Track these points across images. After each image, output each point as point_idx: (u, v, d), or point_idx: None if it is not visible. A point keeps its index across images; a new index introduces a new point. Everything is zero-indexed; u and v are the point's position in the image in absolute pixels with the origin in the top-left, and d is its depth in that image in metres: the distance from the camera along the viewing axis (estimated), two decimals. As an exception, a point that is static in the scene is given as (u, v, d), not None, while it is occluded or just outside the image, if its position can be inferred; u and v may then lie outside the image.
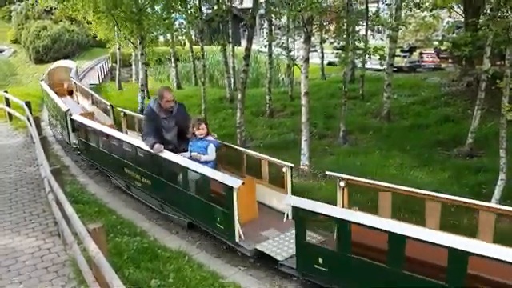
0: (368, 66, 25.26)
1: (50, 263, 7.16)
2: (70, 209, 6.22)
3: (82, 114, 15.21)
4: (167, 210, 10.64)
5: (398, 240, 6.19)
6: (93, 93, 20.68)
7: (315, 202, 7.84)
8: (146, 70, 26.79)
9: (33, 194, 10.33)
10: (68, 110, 14.61)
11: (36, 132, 12.06)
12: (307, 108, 13.88)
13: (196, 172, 8.99)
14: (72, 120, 14.16)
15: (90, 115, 15.94)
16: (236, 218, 8.69)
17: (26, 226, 8.59)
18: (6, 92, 19.14)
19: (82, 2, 21.81)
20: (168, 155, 9.24)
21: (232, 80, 26.66)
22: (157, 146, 9.13)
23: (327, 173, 9.22)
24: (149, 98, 26.61)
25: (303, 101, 13.85)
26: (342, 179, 8.37)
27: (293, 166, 9.60)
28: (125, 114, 14.24)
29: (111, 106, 16.10)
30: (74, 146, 14.69)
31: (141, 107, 21.28)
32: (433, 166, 13.85)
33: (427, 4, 21.70)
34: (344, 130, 16.84)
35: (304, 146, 13.90)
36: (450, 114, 18.31)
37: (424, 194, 7.56)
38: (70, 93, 25.98)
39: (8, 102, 18.37)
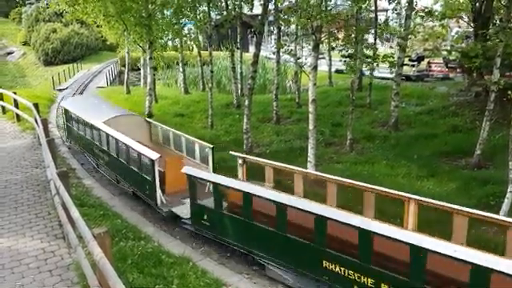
0: (375, 74, 25.17)
1: (54, 266, 7.15)
2: (76, 213, 6.20)
3: None
4: None
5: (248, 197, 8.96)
6: None
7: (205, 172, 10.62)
8: (154, 75, 26.89)
9: (38, 196, 10.35)
10: None
11: (43, 134, 12.09)
12: (314, 115, 13.84)
13: None
14: None
15: None
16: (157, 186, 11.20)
17: (30, 228, 8.59)
18: (15, 93, 19.24)
19: (93, 5, 21.98)
20: None
21: (239, 86, 26.71)
22: None
23: (231, 152, 12.20)
24: (156, 102, 26.73)
25: (310, 108, 13.81)
26: (241, 158, 11.54)
27: (212, 146, 12.19)
28: None
29: None
30: None
31: (148, 111, 21.36)
32: (440, 176, 13.75)
33: (437, 13, 21.68)
34: (351, 139, 16.78)
35: (310, 153, 13.84)
36: (457, 125, 18.19)
37: (291, 168, 10.65)
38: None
39: (16, 104, 18.49)
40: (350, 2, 16.03)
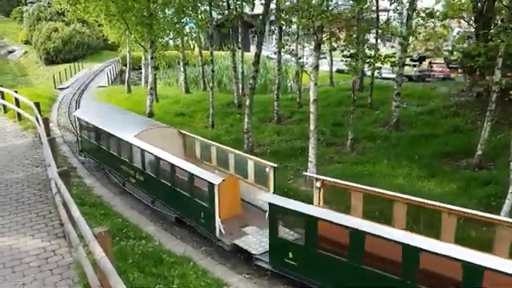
0: (376, 74, 25.14)
1: (55, 265, 7.14)
2: (76, 212, 6.21)
3: None
4: None
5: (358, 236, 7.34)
6: None
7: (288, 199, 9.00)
8: (155, 74, 26.89)
9: (39, 194, 10.34)
10: None
11: (44, 133, 12.11)
12: (315, 115, 13.83)
13: None
14: None
15: None
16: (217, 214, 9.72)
17: (31, 227, 8.59)
18: (16, 92, 19.25)
19: (94, 4, 21.98)
20: None
21: (240, 85, 26.73)
22: None
23: (305, 173, 11.21)
24: (157, 101, 26.73)
25: (312, 108, 13.80)
26: (318, 180, 9.74)
27: (274, 165, 10.55)
28: None
29: None
30: None
31: (149, 110, 21.37)
32: (441, 176, 13.74)
33: (438, 14, 21.68)
34: (352, 138, 16.77)
35: (311, 153, 13.83)
36: (458, 125, 18.19)
37: (391, 195, 8.60)
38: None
39: (17, 102, 18.51)
40: (351, 2, 16.03)
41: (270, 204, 8.79)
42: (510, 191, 10.33)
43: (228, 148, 12.52)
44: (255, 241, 9.73)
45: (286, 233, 9.11)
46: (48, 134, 12.16)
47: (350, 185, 9.17)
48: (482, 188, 12.61)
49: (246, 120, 16.87)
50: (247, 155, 11.76)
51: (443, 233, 7.84)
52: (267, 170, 10.67)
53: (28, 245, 7.83)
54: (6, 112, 20.19)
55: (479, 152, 14.28)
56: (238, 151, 12.18)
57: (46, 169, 11.30)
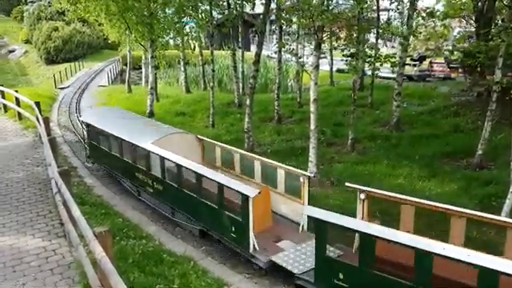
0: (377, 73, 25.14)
1: (56, 265, 7.15)
2: (77, 212, 6.21)
3: None
4: None
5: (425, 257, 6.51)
6: None
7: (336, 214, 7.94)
8: (156, 73, 26.88)
9: (40, 194, 10.35)
10: None
11: (45, 132, 12.10)
12: (316, 115, 13.84)
13: None
14: None
15: None
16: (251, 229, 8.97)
17: (32, 226, 8.59)
18: (17, 92, 19.25)
19: (95, 4, 21.99)
20: None
21: (240, 85, 26.73)
22: None
23: (347, 184, 9.30)
24: (158, 101, 26.74)
25: (312, 108, 13.80)
26: (363, 191, 8.65)
27: (310, 175, 9.90)
28: None
29: None
30: None
31: (149, 110, 21.37)
32: (442, 176, 13.74)
33: (438, 13, 21.68)
34: (352, 138, 16.76)
35: (312, 153, 13.83)
36: (459, 125, 18.18)
37: (448, 209, 7.70)
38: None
39: (18, 102, 18.52)
40: (352, 2, 16.02)
41: (316, 219, 8.03)
42: (510, 191, 10.33)
43: (253, 155, 11.82)
44: (293, 257, 9.02)
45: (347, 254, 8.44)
46: (48, 134, 12.16)
47: (399, 197, 8.36)
48: (482, 188, 12.61)
49: (247, 119, 16.87)
50: (276, 163, 10.86)
51: (507, 250, 7.14)
52: (301, 179, 9.90)
53: (28, 244, 7.84)
54: (6, 111, 20.20)
55: (480, 152, 14.27)
56: (265, 159, 11.43)
57: (46, 168, 11.29)
